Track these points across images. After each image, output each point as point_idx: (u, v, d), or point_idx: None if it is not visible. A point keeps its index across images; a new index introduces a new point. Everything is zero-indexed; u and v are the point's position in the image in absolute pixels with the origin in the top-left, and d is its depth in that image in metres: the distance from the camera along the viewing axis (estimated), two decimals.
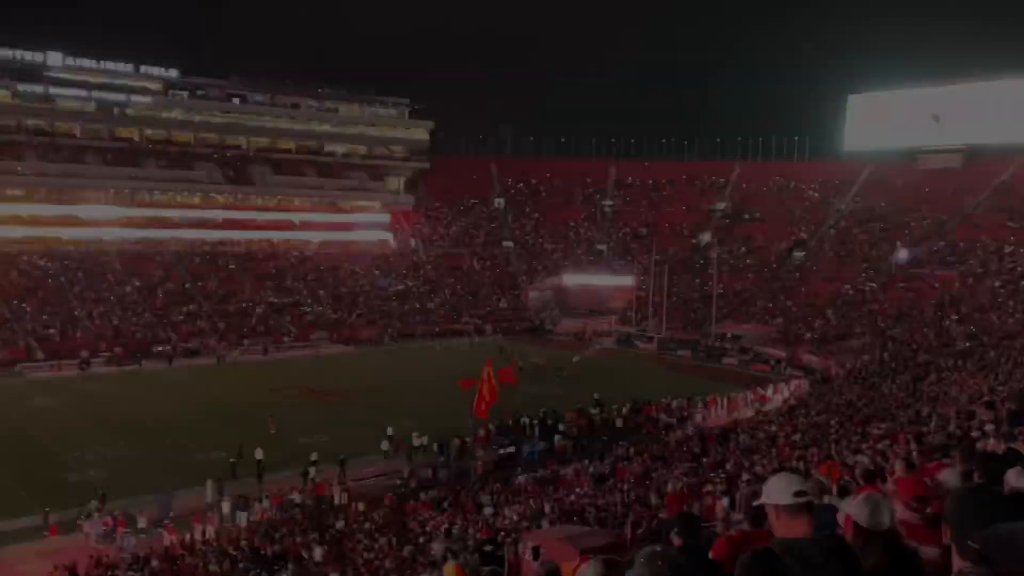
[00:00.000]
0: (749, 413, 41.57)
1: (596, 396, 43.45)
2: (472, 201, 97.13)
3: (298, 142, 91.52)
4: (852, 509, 3.53)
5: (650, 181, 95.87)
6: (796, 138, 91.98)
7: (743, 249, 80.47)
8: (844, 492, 7.44)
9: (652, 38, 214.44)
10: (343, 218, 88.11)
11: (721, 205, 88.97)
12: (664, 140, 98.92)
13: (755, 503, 3.82)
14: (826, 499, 6.61)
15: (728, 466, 23.77)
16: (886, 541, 3.29)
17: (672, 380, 52.77)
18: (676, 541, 4.84)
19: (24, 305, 61.62)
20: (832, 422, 29.77)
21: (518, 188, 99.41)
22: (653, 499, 20.44)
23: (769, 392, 46.82)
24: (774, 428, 31.90)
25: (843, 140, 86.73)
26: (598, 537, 13.03)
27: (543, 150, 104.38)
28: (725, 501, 15.97)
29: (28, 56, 77.13)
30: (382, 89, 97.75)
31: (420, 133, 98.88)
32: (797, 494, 3.21)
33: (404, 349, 63.04)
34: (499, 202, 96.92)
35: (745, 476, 21.35)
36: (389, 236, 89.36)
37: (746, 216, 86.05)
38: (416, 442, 35.69)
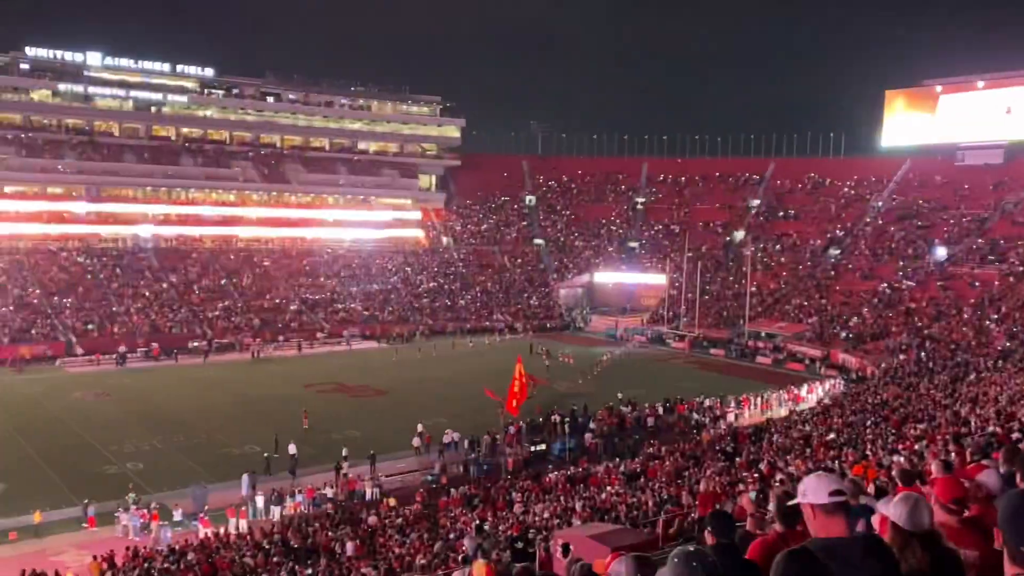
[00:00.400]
0: (783, 412, 41.16)
1: (623, 395, 43.31)
2: (503, 198, 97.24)
3: (331, 140, 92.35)
4: (890, 509, 3.47)
5: (683, 178, 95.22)
6: (832, 134, 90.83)
7: (777, 247, 79.60)
8: (880, 493, 7.33)
9: (685, 34, 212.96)
10: (375, 215, 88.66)
11: (755, 202, 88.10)
12: (697, 137, 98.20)
13: (790, 503, 3.77)
14: (862, 500, 6.51)
15: (761, 466, 23.54)
16: (926, 542, 3.22)
17: (704, 379, 52.44)
18: (709, 539, 4.81)
19: (64, 300, 62.87)
20: (868, 422, 29.40)
21: (549, 185, 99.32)
22: (685, 498, 20.32)
23: (803, 391, 46.35)
24: (808, 428, 31.56)
25: (880, 136, 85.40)
26: (629, 535, 12.97)
27: (575, 147, 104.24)
28: (752, 495, 15.85)
29: (68, 56, 78.68)
30: (414, 87, 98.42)
31: (451, 131, 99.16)
32: (833, 493, 3.17)
33: (435, 346, 63.29)
34: (530, 199, 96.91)
35: (779, 476, 21.14)
36: (420, 233, 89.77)
37: (780, 213, 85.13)
38: (446, 439, 35.83)
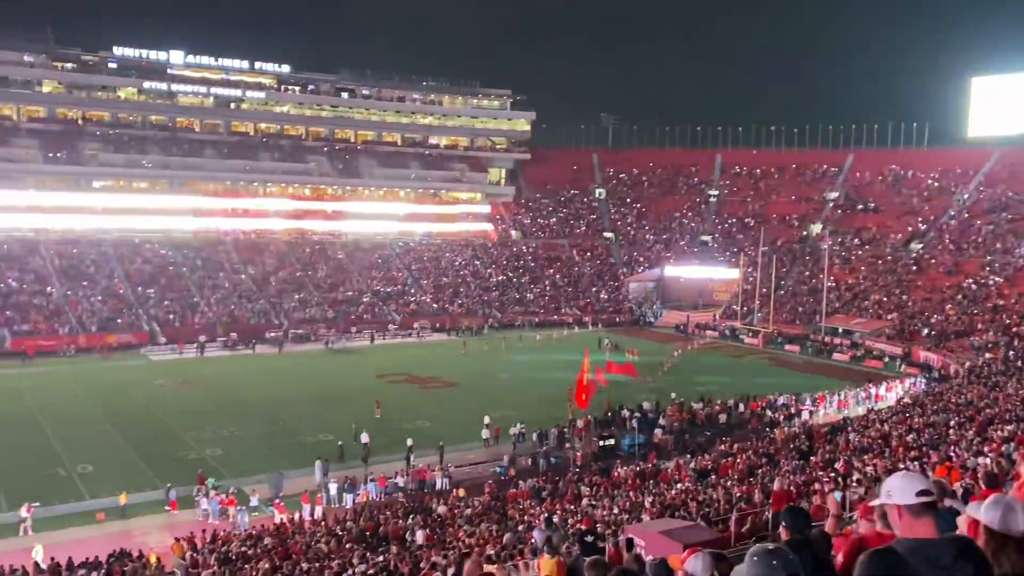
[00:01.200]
0: (860, 411, 40.02)
1: (697, 391, 42.78)
2: (572, 192, 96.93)
3: (403, 134, 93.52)
4: (981, 512, 3.32)
5: (758, 170, 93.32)
6: (915, 124, 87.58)
7: (856, 240, 77.36)
8: (965, 496, 7.06)
9: (759, 23, 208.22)
10: (445, 209, 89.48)
11: (833, 194, 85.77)
12: (773, 128, 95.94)
13: (873, 503, 3.65)
14: (946, 502, 6.28)
15: (838, 465, 22.94)
16: (1022, 546, 3.08)
17: (779, 376, 51.40)
18: (784, 534, 4.74)
19: (148, 291, 65.30)
20: (951, 423, 28.36)
21: (619, 178, 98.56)
22: (757, 497, 19.96)
23: (882, 390, 44.99)
24: (887, 427, 30.59)
25: (966, 126, 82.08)
26: (701, 532, 12.80)
27: (646, 140, 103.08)
28: (836, 495, 15.51)
29: (153, 55, 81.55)
30: (485, 81, 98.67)
31: (522, 124, 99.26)
32: (921, 493, 3.05)
33: (504, 339, 63.57)
34: (600, 192, 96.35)
35: (856, 476, 20.59)
36: (490, 227, 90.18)
37: (859, 206, 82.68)
38: (514, 431, 35.95)
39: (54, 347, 55.24)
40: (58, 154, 74.58)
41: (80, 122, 78.36)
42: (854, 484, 18.94)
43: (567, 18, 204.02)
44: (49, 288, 62.29)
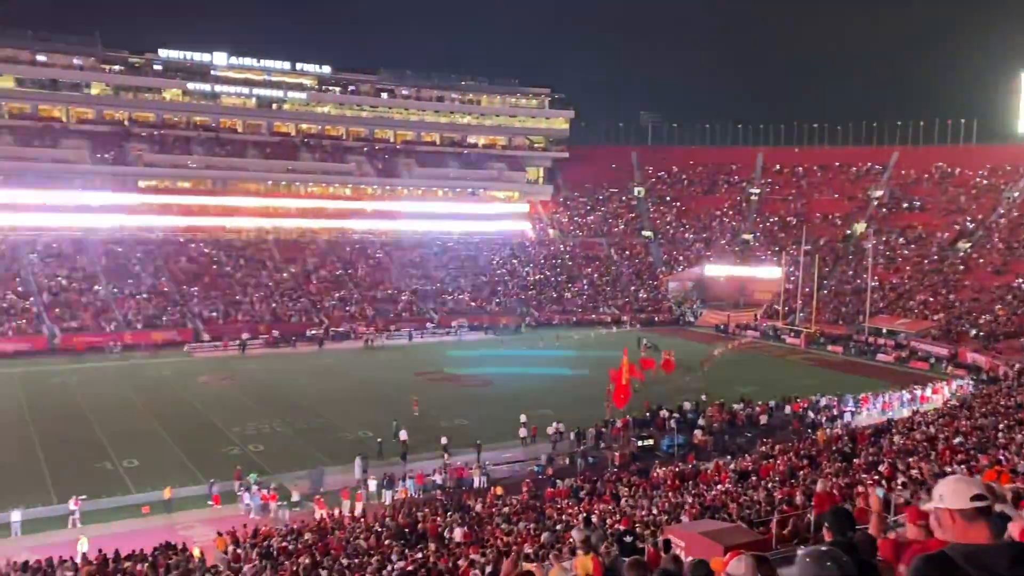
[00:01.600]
0: (905, 413, 39.24)
1: (736, 391, 42.31)
2: (611, 190, 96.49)
3: (442, 134, 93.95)
4: None
5: (800, 168, 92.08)
6: (963, 121, 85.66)
7: (900, 239, 75.90)
8: (1016, 500, 6.87)
9: (800, 17, 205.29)
10: (483, 208, 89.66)
11: (877, 193, 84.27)
12: (815, 125, 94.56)
13: (925, 507, 3.56)
14: (997, 507, 6.12)
15: (882, 467, 22.51)
16: None
17: (821, 377, 50.63)
18: (827, 536, 4.66)
19: (192, 289, 66.45)
20: (1000, 426, 27.66)
21: (658, 176, 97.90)
22: (799, 499, 19.65)
23: (928, 392, 44.07)
24: (933, 430, 29.95)
25: (1017, 122, 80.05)
26: (742, 534, 12.64)
27: (685, 138, 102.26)
28: (880, 492, 15.25)
29: (197, 57, 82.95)
30: (524, 79, 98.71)
31: (560, 122, 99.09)
32: (976, 498, 2.97)
33: (541, 337, 63.50)
34: (639, 191, 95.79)
35: (901, 479, 20.18)
36: (528, 225, 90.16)
37: (905, 204, 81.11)
38: (552, 430, 35.88)
39: (101, 343, 56.46)
40: (105, 155, 76.26)
41: (126, 123, 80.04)
42: (899, 487, 18.57)
43: (606, 16, 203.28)
44: (97, 286, 63.71)
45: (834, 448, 29.82)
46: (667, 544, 12.33)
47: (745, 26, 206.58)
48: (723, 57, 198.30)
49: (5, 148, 72.52)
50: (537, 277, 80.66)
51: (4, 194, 68.85)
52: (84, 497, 26.65)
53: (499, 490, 28.66)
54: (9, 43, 75.28)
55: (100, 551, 21.17)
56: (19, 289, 60.54)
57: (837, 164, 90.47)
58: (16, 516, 25.38)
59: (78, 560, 20.92)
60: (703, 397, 41.32)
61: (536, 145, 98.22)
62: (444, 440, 33.35)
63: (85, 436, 35.36)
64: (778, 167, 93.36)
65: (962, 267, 68.29)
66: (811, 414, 39.44)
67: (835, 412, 39.80)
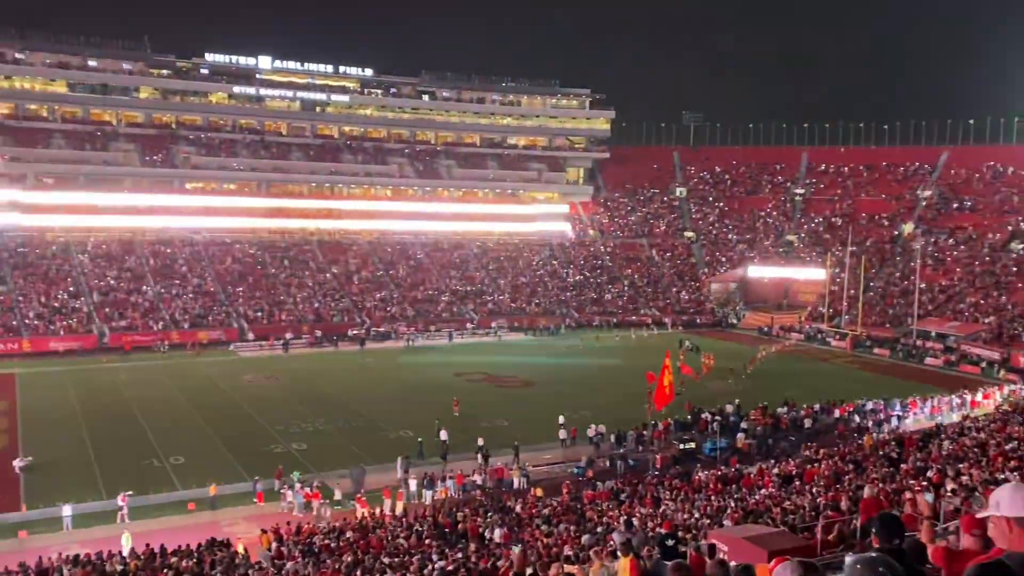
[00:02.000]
0: (955, 418, 38.33)
1: (780, 395, 41.70)
2: (652, 191, 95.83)
3: (482, 135, 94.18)
4: None
5: (846, 168, 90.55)
6: (1016, 119, 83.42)
7: (950, 240, 74.21)
8: None
9: (845, 15, 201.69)
10: (523, 209, 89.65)
11: (926, 193, 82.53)
12: (862, 125, 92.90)
13: (980, 514, 3.46)
14: None
15: (930, 473, 22.00)
16: None
17: (867, 380, 49.75)
18: (875, 542, 4.56)
19: (237, 289, 67.50)
20: None
21: (701, 177, 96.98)
22: (845, 504, 19.29)
23: (978, 396, 42.99)
24: (983, 435, 29.19)
25: None
26: (787, 539, 12.42)
27: (728, 138, 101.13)
28: (928, 496, 14.89)
29: (242, 60, 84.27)
30: (564, 81, 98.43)
31: (601, 123, 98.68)
32: None
33: (581, 339, 63.31)
34: (681, 191, 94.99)
35: (950, 485, 19.70)
36: (568, 226, 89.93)
37: (954, 205, 79.31)
38: (592, 432, 35.70)
39: (148, 343, 57.63)
40: (154, 157, 77.85)
41: (174, 126, 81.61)
42: (948, 494, 18.13)
43: (647, 16, 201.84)
44: (144, 286, 65.05)
45: (881, 453, 29.24)
46: (712, 549, 12.18)
47: (789, 24, 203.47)
48: (766, 56, 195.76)
49: (58, 152, 74.50)
50: (577, 278, 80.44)
51: (56, 196, 70.72)
52: (131, 493, 27.23)
53: (539, 491, 28.62)
54: (61, 49, 77.33)
55: (147, 546, 21.59)
56: (71, 289, 62.10)
57: (884, 164, 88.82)
58: (67, 511, 26.04)
59: (125, 554, 21.36)
60: (736, 401, 40.69)
61: (577, 146, 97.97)
62: (480, 441, 33.40)
63: (133, 433, 36.12)
64: (823, 167, 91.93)
65: (1015, 269, 66.55)
66: (857, 418, 38.74)
67: (882, 416, 39.04)
